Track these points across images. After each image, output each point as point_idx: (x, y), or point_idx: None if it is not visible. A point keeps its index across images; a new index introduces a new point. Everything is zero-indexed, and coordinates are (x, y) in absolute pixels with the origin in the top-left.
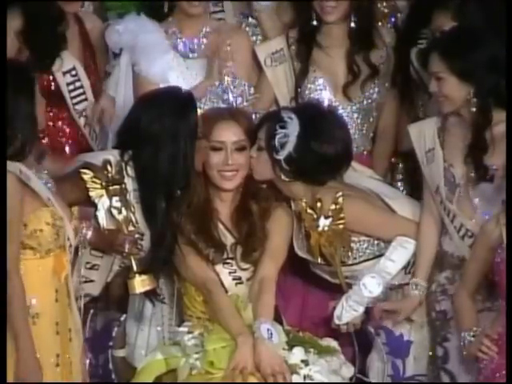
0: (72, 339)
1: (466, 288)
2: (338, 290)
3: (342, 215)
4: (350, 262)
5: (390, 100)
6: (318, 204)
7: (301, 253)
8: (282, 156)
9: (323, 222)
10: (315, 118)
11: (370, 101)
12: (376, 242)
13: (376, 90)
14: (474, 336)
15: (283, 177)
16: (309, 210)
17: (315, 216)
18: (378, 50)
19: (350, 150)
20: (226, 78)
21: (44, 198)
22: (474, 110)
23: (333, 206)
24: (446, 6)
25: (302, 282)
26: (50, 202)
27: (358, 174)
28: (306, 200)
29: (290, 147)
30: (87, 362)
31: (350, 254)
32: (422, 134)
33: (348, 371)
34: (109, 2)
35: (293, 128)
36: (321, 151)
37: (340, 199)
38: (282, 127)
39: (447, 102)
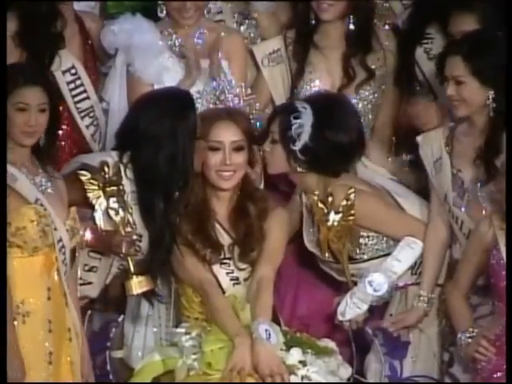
0: (72, 339)
1: (459, 289)
2: (336, 289)
3: (352, 211)
4: (357, 257)
5: (386, 101)
6: (330, 198)
7: (310, 246)
8: (298, 146)
9: (333, 217)
10: (329, 108)
11: (365, 103)
12: (385, 238)
13: (371, 92)
14: (470, 337)
15: (298, 168)
16: (320, 204)
17: (326, 210)
18: (375, 52)
19: (363, 137)
20: (223, 78)
21: (30, 199)
22: (492, 114)
23: (344, 202)
24: (471, 9)
25: (297, 281)
26: (38, 202)
27: (370, 172)
28: (318, 193)
29: (305, 137)
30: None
31: (358, 250)
32: (430, 145)
33: (345, 372)
34: (110, 2)
35: (307, 118)
36: (336, 140)
37: (352, 195)
38: (297, 117)
39: (464, 105)
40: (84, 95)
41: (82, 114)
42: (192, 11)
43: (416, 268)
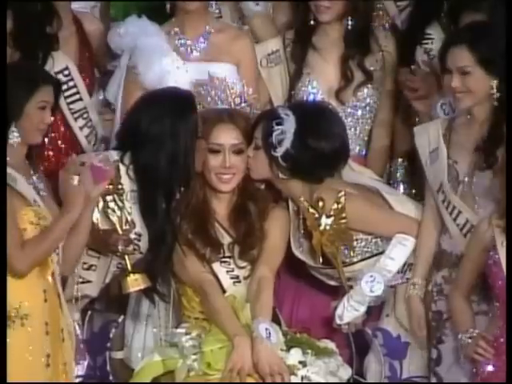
0: (65, 340)
1: (461, 289)
2: (334, 292)
3: (343, 215)
4: (347, 260)
5: (385, 103)
6: (320, 203)
7: (298, 252)
8: (279, 153)
9: (325, 221)
10: (312, 115)
11: (363, 105)
12: (374, 240)
13: (370, 94)
14: (470, 338)
15: (280, 175)
16: (311, 210)
17: (317, 215)
18: (373, 54)
19: (347, 146)
20: (226, 78)
21: (29, 200)
22: (496, 103)
23: (335, 206)
24: (479, 8)
25: (295, 284)
26: (35, 204)
27: (357, 174)
28: (304, 198)
29: (287, 144)
30: (85, 363)
31: (351, 253)
32: (427, 135)
33: (345, 373)
34: (112, 3)
35: (290, 124)
36: (318, 147)
37: (342, 199)
38: (279, 124)
39: (469, 96)
40: (77, 96)
41: (76, 115)
42: None
43: (404, 267)
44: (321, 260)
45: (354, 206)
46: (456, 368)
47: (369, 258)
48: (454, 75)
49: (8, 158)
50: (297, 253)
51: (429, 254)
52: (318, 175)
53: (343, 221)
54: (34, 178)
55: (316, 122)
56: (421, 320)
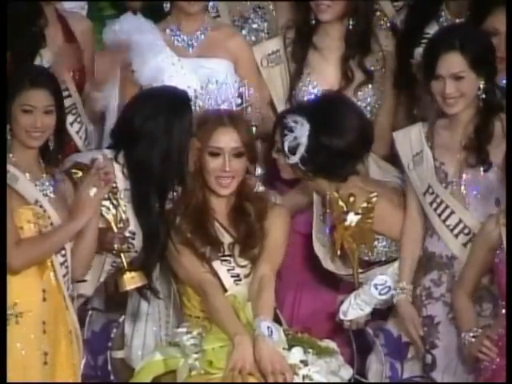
0: (73, 342)
1: (465, 289)
2: (336, 289)
3: (371, 215)
4: (366, 258)
5: (385, 103)
6: (351, 199)
7: (316, 246)
8: (294, 160)
9: (351, 218)
10: (323, 112)
11: (364, 105)
12: (394, 241)
13: (370, 94)
14: (474, 337)
15: (307, 174)
16: (340, 203)
17: (345, 209)
18: (374, 54)
19: (367, 136)
20: (227, 77)
21: (30, 199)
22: (482, 104)
23: (365, 204)
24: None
25: (297, 281)
26: (37, 203)
27: (383, 171)
28: (329, 193)
29: (301, 150)
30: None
31: (370, 253)
32: (408, 139)
33: (347, 372)
34: (101, 3)
35: (303, 130)
36: (332, 145)
37: (374, 199)
38: (291, 130)
39: (461, 100)
40: (66, 93)
41: (65, 111)
42: None
43: None
44: (338, 253)
45: (380, 207)
46: (450, 372)
47: (392, 260)
48: (447, 81)
49: (14, 158)
50: (316, 246)
51: (415, 258)
52: (340, 174)
53: (369, 220)
54: (44, 179)
55: (328, 118)
56: (414, 321)
